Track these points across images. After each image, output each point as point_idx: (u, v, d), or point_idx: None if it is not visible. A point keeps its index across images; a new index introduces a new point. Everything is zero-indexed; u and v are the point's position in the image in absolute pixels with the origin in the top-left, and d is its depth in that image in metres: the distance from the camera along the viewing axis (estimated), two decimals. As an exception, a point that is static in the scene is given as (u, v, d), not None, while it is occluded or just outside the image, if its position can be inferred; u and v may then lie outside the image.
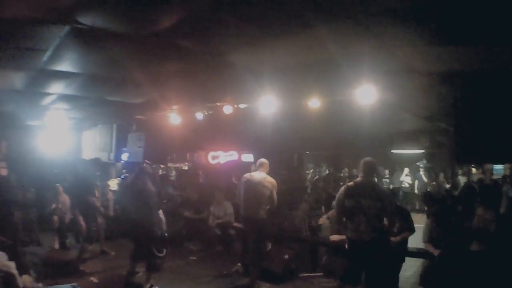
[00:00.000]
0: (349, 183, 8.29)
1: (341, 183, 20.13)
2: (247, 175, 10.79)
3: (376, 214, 7.82)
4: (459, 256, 8.84)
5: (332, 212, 11.38)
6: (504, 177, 18.98)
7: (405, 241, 9.63)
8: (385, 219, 8.09)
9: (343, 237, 8.63)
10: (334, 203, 9.22)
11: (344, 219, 8.21)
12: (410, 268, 10.79)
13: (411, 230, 9.70)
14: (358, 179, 8.25)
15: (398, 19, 6.77)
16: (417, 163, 26.36)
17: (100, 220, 12.72)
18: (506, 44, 7.49)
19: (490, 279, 8.24)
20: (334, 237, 10.09)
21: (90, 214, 12.09)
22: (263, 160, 10.94)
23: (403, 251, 9.61)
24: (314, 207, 14.13)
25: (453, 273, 8.68)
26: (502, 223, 9.84)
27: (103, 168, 15.08)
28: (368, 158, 8.32)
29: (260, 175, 10.53)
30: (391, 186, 23.78)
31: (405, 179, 25.41)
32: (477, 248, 9.19)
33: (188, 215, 15.24)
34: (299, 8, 6.64)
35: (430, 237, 9.56)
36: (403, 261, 9.75)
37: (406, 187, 25.04)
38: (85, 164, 14.85)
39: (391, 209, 8.21)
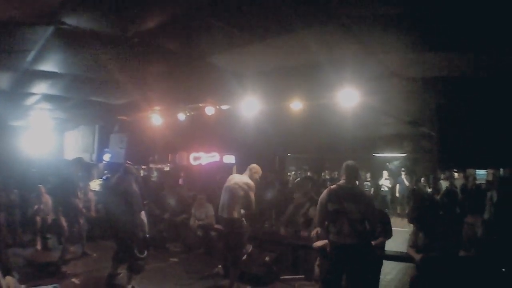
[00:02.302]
0: (332, 186, 8.24)
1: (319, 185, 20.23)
2: (230, 176, 10.74)
3: (358, 218, 7.78)
4: (441, 261, 8.84)
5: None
6: (488, 182, 19.03)
7: (381, 245, 9.63)
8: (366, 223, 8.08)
9: (325, 241, 8.62)
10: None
11: (326, 222, 8.17)
12: (391, 271, 10.80)
13: (386, 235, 9.69)
14: (341, 182, 8.18)
15: (384, 25, 6.79)
16: (387, 164, 26.49)
17: (82, 221, 12.63)
18: (490, 52, 7.54)
19: (474, 284, 8.27)
20: (318, 243, 10.10)
21: (73, 215, 12.03)
22: (252, 165, 10.73)
23: (380, 255, 9.60)
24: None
25: (436, 278, 8.69)
26: (488, 229, 9.89)
27: (85, 168, 14.98)
28: (350, 162, 8.26)
29: (239, 177, 10.44)
30: (372, 190, 23.74)
31: (385, 182, 25.32)
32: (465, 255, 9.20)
33: (168, 216, 15.17)
34: (283, 12, 6.64)
35: (414, 242, 9.55)
36: (381, 265, 9.75)
37: (385, 191, 24.86)
38: (68, 164, 14.72)
39: (374, 213, 8.18)
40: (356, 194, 8.02)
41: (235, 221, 10.12)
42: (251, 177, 10.39)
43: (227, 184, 10.43)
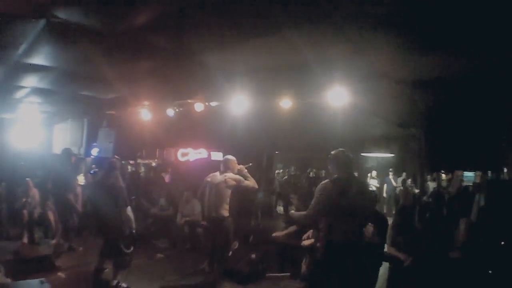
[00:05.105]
0: (335, 181, 7.17)
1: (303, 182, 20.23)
2: (209, 176, 10.57)
3: (363, 215, 7.24)
4: (427, 262, 8.85)
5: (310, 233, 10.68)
6: (475, 184, 19.04)
7: (380, 247, 9.61)
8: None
9: (312, 241, 8.47)
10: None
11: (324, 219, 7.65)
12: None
13: (382, 238, 9.68)
14: (341, 175, 7.22)
15: (374, 25, 6.81)
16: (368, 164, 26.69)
17: (75, 216, 12.60)
18: (480, 54, 7.57)
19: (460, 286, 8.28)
20: (306, 242, 9.92)
21: (67, 210, 12.08)
22: (227, 158, 10.54)
23: (379, 257, 9.61)
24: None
25: (421, 279, 8.68)
26: (474, 232, 9.89)
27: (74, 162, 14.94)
28: (341, 150, 7.52)
29: (221, 175, 10.30)
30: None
31: (372, 182, 25.29)
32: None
33: (155, 212, 15.14)
34: (273, 10, 6.66)
35: (393, 241, 9.47)
36: (380, 265, 9.75)
37: (373, 191, 24.73)
38: (59, 158, 14.66)
39: (373, 211, 8.00)
40: (361, 189, 7.31)
41: (224, 219, 10.08)
42: (233, 172, 10.28)
43: (211, 182, 10.31)
